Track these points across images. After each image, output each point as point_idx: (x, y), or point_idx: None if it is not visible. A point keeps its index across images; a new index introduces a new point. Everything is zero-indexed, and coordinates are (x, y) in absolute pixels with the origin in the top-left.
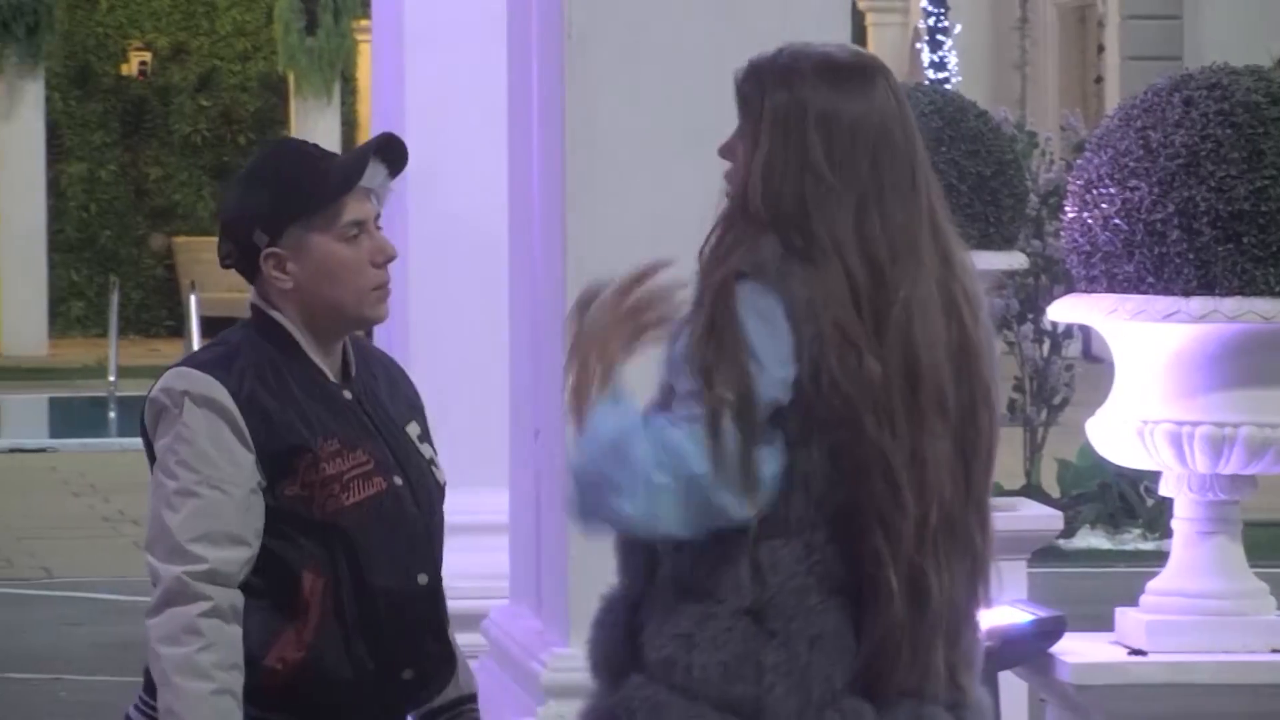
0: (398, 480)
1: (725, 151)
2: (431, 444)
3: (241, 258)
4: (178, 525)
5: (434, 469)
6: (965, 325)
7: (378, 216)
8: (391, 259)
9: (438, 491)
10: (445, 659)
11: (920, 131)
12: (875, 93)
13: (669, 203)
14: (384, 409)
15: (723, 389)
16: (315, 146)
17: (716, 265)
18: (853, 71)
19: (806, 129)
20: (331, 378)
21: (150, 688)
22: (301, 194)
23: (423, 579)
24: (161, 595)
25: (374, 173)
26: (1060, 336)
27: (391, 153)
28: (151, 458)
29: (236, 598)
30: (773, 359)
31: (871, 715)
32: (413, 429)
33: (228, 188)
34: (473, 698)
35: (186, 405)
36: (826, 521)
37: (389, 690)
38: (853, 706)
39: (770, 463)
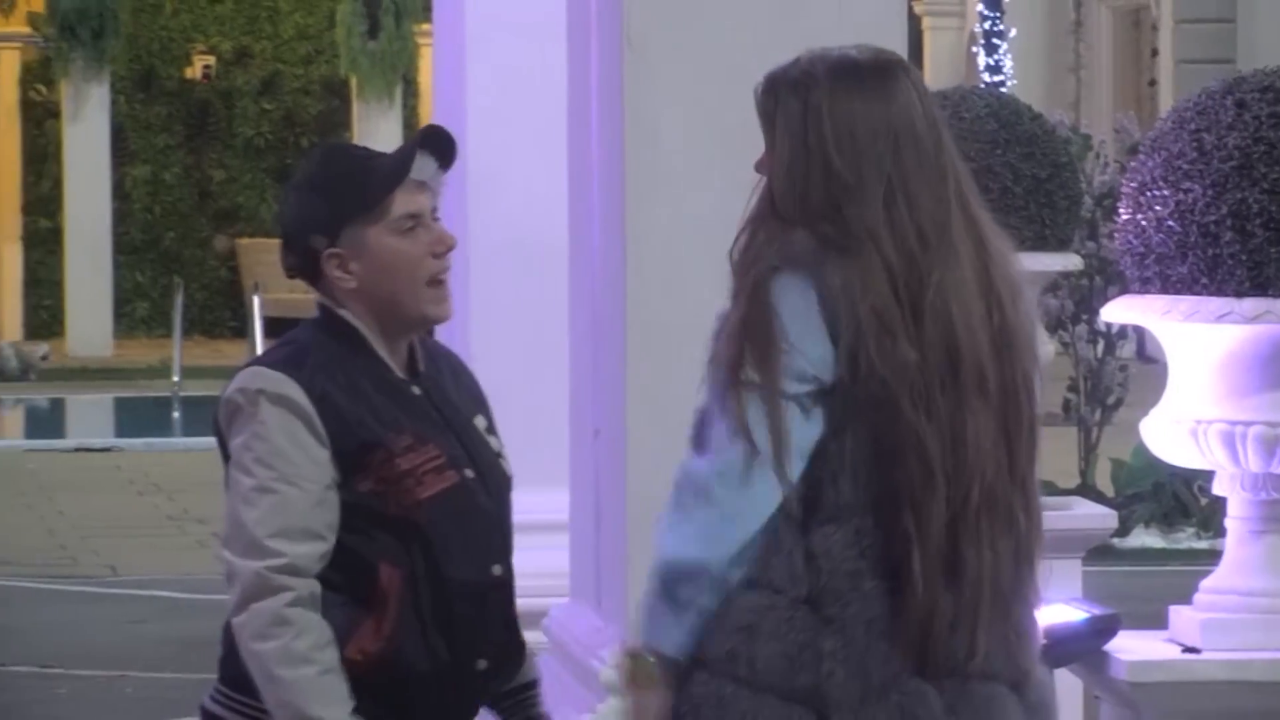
0: (469, 473)
1: (759, 167)
2: (498, 436)
3: (304, 264)
4: (255, 521)
5: (501, 461)
6: (1004, 307)
7: (434, 209)
8: (451, 248)
9: (506, 483)
10: (516, 648)
11: (958, 116)
12: (895, 88)
13: (726, 203)
14: (451, 403)
15: (752, 372)
16: (361, 147)
17: (749, 264)
18: (871, 70)
19: (822, 131)
20: (400, 373)
21: (226, 679)
22: (353, 193)
23: (497, 570)
24: (241, 592)
25: (423, 165)
26: (1114, 337)
27: (439, 145)
28: (226, 456)
29: (315, 586)
30: (807, 342)
31: (935, 697)
32: (479, 422)
33: (282, 200)
34: (535, 684)
35: (262, 404)
36: (874, 505)
37: (464, 680)
38: (915, 688)
39: (806, 434)
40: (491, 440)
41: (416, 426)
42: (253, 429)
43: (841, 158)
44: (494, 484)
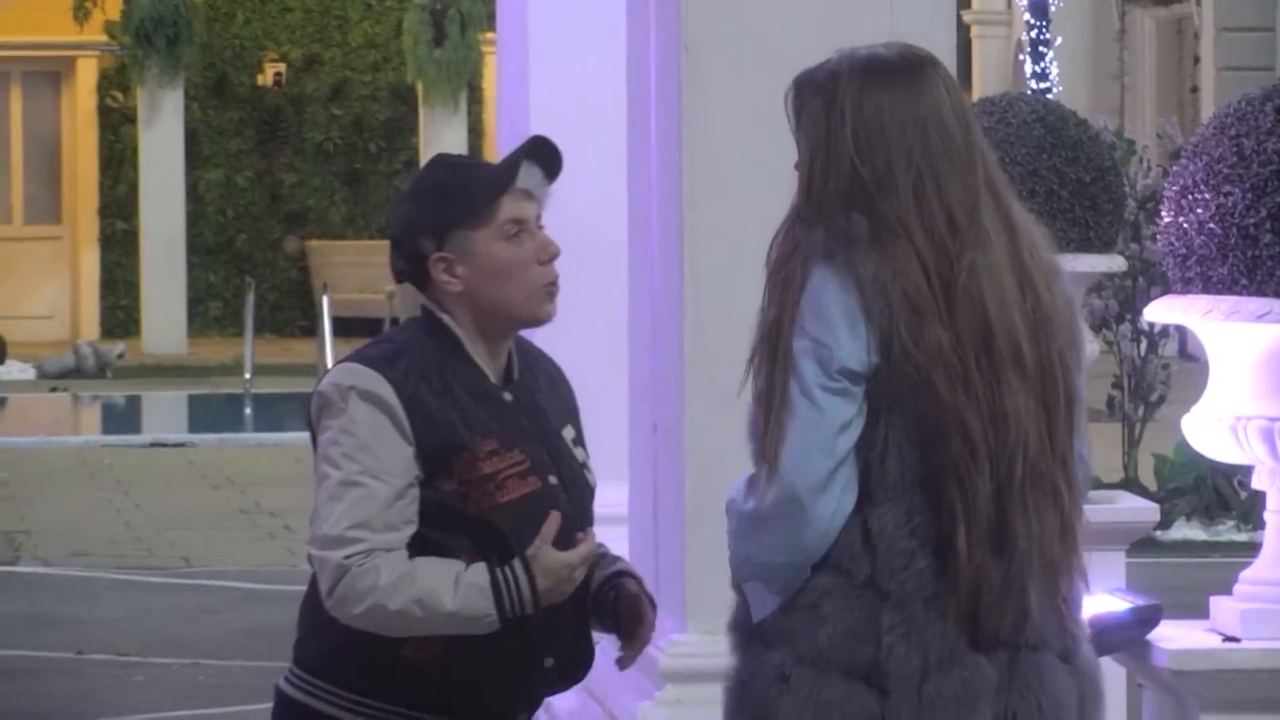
0: (552, 480)
1: (797, 167)
2: (584, 447)
3: (412, 268)
4: (340, 514)
5: (586, 472)
6: (1037, 288)
7: (539, 216)
8: (555, 256)
9: (589, 492)
10: (586, 650)
11: (1005, 122)
12: (923, 82)
13: (779, 205)
14: (542, 411)
15: (788, 360)
16: (469, 157)
17: (784, 260)
18: (898, 66)
19: (850, 126)
20: (494, 379)
21: (300, 662)
22: (461, 199)
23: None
24: (329, 582)
25: (529, 174)
26: (1157, 336)
27: (545, 155)
28: (316, 447)
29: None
30: (842, 334)
31: (991, 671)
32: (568, 432)
33: (392, 206)
34: (630, 572)
35: (352, 399)
36: (921, 485)
37: (530, 676)
38: (974, 662)
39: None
40: (578, 451)
41: (504, 432)
42: (341, 423)
43: (871, 151)
44: (576, 492)
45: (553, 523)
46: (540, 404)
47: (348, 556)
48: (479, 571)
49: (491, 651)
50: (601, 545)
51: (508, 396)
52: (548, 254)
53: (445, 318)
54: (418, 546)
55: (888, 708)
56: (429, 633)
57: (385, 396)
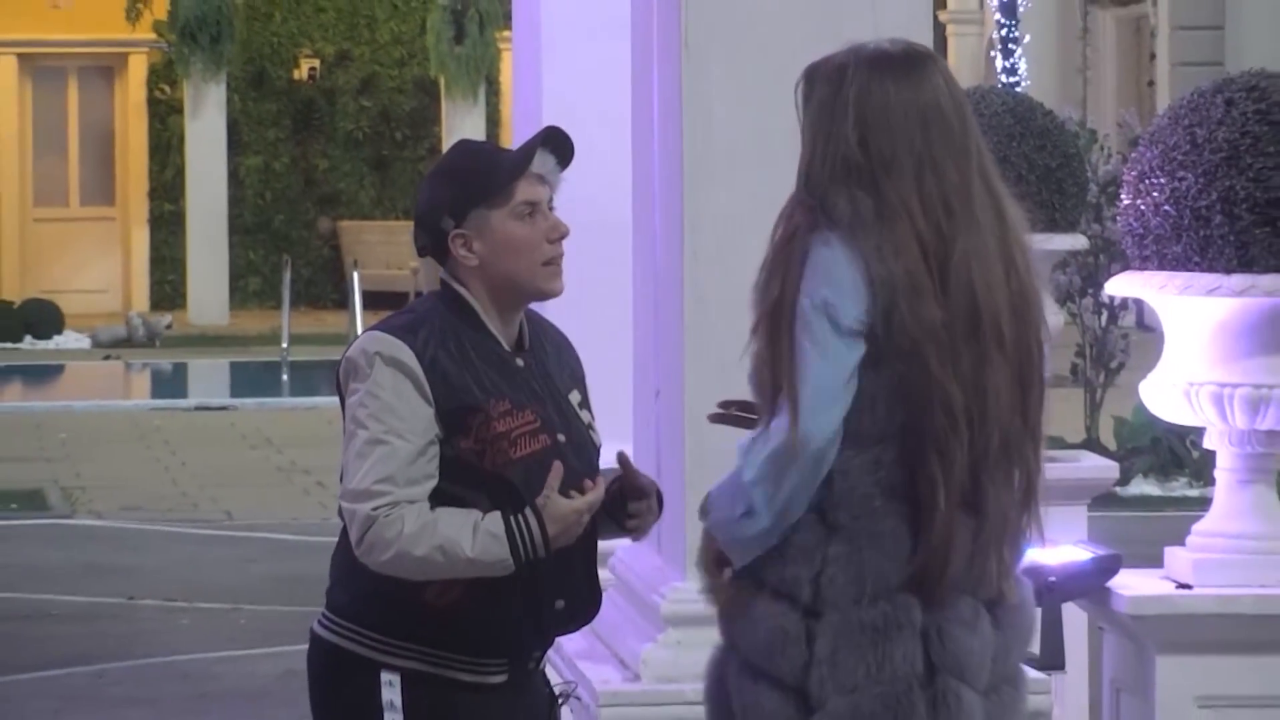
0: (561, 438)
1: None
2: (590, 410)
3: (433, 243)
4: (367, 469)
5: (591, 432)
6: (1020, 272)
7: (551, 199)
8: (564, 235)
9: (595, 450)
10: (594, 594)
11: (979, 112)
12: (924, 75)
13: (773, 187)
14: (551, 377)
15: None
16: (490, 143)
17: (789, 237)
18: (902, 60)
19: (856, 114)
20: (507, 346)
21: (332, 606)
22: (480, 180)
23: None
24: (358, 532)
25: (543, 160)
26: (1117, 309)
27: (558, 144)
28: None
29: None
30: (850, 292)
31: (919, 610)
32: (574, 396)
33: (419, 187)
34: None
35: (377, 364)
36: (893, 439)
37: (542, 617)
38: (903, 601)
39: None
40: (583, 414)
41: (515, 394)
42: (367, 387)
43: (877, 136)
44: (584, 449)
45: (556, 473)
46: (549, 370)
47: (375, 508)
48: (495, 520)
49: (506, 595)
50: (612, 470)
51: (520, 362)
52: (557, 233)
53: (462, 290)
54: (437, 499)
55: (818, 628)
56: (450, 577)
57: (407, 361)
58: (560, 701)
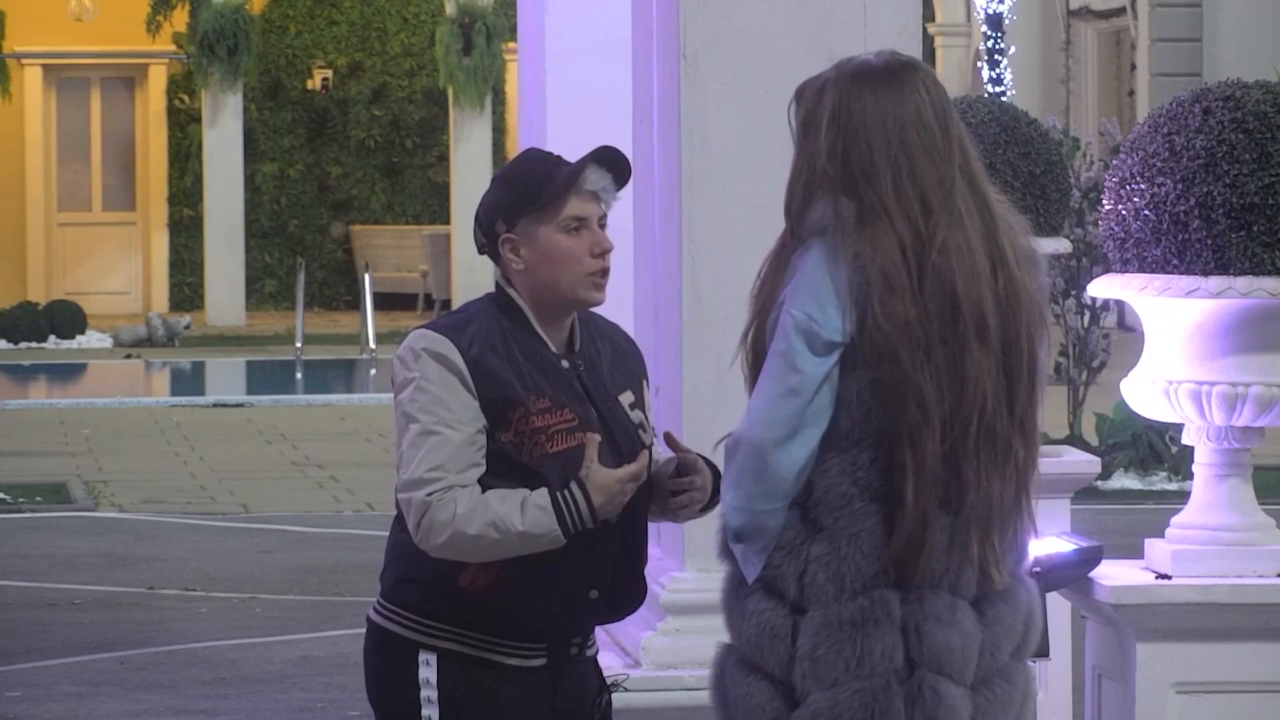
0: (598, 438)
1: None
2: (644, 411)
3: (488, 244)
4: (420, 459)
5: (641, 431)
6: (1009, 266)
7: (603, 217)
8: (607, 251)
9: (640, 449)
10: (632, 586)
11: (965, 121)
12: (905, 84)
13: (766, 196)
14: (599, 378)
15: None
16: (552, 155)
17: (779, 249)
18: (883, 72)
19: (839, 125)
20: (554, 349)
21: (384, 593)
22: (532, 191)
23: (613, 518)
24: (416, 518)
25: (598, 178)
26: (1098, 310)
27: (614, 162)
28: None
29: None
30: (832, 305)
31: (897, 605)
32: (625, 397)
33: (487, 189)
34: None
35: (424, 359)
36: (870, 440)
37: (576, 606)
38: (881, 596)
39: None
40: (634, 413)
41: (556, 393)
42: (416, 382)
43: (857, 147)
44: (626, 448)
45: (592, 443)
46: (599, 372)
47: (430, 494)
48: (541, 494)
49: (538, 583)
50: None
51: (565, 364)
52: (600, 249)
53: (511, 292)
54: (480, 491)
55: (802, 624)
56: (506, 554)
57: (450, 356)
58: (611, 690)
